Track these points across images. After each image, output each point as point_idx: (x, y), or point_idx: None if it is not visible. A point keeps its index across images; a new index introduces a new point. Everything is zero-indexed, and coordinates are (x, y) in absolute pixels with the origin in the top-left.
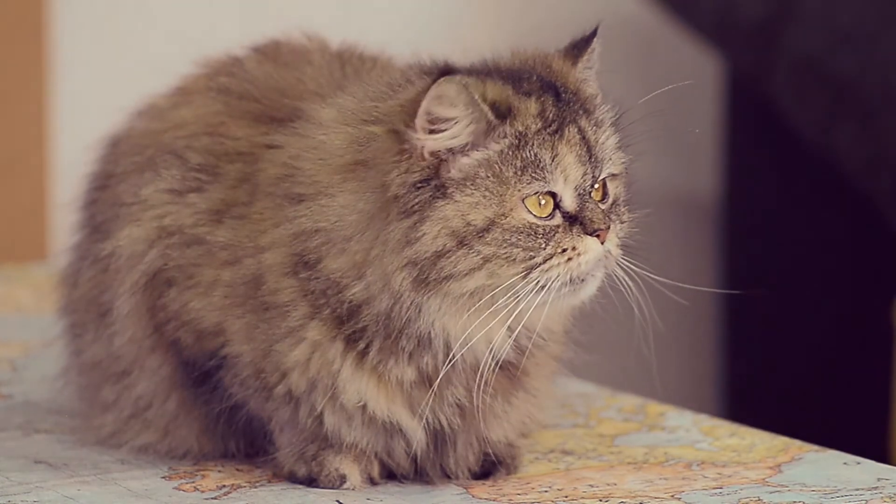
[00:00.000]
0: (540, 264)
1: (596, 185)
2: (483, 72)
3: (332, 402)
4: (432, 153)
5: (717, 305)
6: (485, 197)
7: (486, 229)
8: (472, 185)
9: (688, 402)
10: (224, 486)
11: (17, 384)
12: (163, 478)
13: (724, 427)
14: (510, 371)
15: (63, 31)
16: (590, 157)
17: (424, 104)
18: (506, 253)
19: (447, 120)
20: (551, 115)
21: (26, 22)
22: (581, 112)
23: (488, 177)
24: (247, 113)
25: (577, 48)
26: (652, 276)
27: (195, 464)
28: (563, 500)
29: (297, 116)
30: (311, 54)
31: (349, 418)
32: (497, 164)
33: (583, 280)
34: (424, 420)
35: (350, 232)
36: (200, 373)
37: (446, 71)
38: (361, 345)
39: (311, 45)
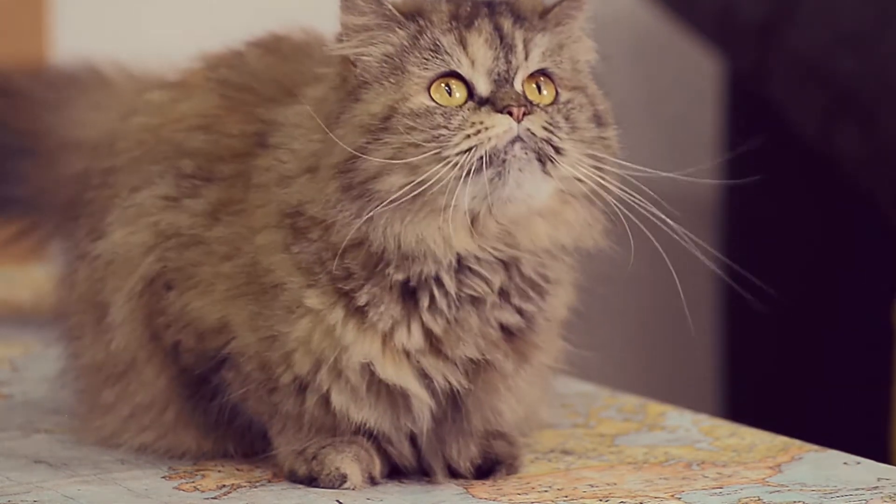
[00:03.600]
0: (448, 141)
1: (518, 75)
2: None
3: (338, 378)
4: (359, 70)
5: (718, 305)
6: (384, 87)
7: (388, 117)
8: (375, 81)
9: (688, 402)
10: (224, 485)
11: (17, 384)
12: (163, 478)
13: (724, 427)
14: (516, 342)
15: (62, 32)
16: (502, 43)
17: (341, 18)
18: (410, 138)
19: (360, 28)
20: (463, 13)
21: (25, 20)
22: (508, 14)
23: (389, 69)
24: (244, 104)
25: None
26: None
27: (195, 463)
28: (564, 500)
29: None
30: (311, 48)
31: (356, 394)
32: (396, 56)
33: (503, 161)
34: (434, 385)
35: (316, 162)
36: (199, 377)
37: None
38: (360, 300)
39: (310, 39)
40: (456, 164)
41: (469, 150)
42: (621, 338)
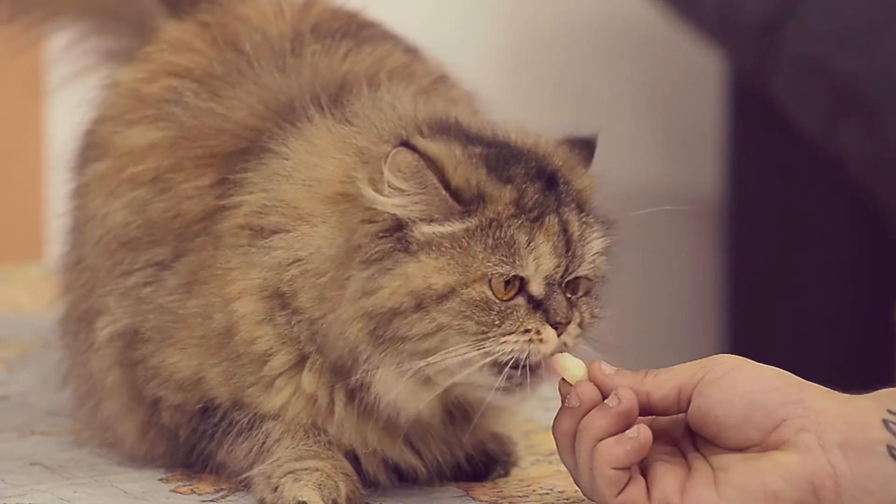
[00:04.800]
0: (493, 337)
1: (568, 280)
2: (474, 142)
3: (316, 435)
4: (412, 229)
5: (719, 305)
6: (449, 264)
7: (446, 296)
8: (436, 250)
9: None
10: (221, 489)
11: (13, 385)
12: (159, 480)
13: None
14: None
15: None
16: (567, 251)
17: (385, 169)
18: (459, 325)
19: (400, 190)
20: (531, 203)
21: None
22: (572, 205)
23: (454, 247)
24: (190, 159)
25: (586, 151)
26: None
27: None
28: (565, 502)
29: (252, 150)
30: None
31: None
32: (464, 238)
33: (529, 375)
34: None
35: (325, 266)
36: (185, 434)
37: (405, 143)
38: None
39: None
40: (492, 355)
41: (515, 356)
42: (622, 339)
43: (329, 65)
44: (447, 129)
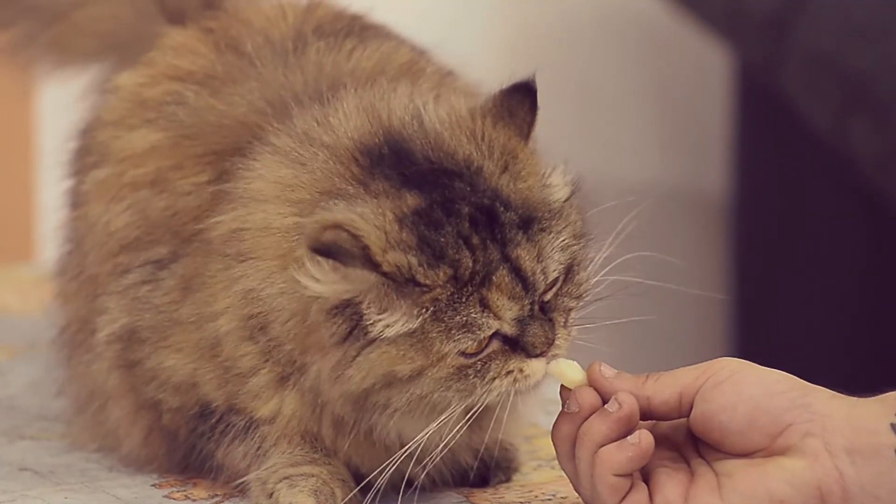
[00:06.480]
0: (480, 389)
1: (538, 298)
2: (408, 180)
3: (313, 442)
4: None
5: (724, 303)
6: (409, 352)
7: (414, 377)
8: (393, 340)
9: None
10: (216, 494)
11: (1, 388)
12: (153, 486)
13: None
14: None
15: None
16: (526, 290)
17: (308, 264)
18: (440, 395)
19: (330, 280)
20: (470, 272)
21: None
22: (518, 234)
23: (411, 337)
24: (190, 157)
25: (527, 102)
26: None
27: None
28: None
29: (241, 153)
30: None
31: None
32: (417, 330)
33: (531, 388)
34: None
35: (285, 315)
36: (185, 434)
37: (314, 248)
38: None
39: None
40: (483, 399)
41: (504, 396)
42: (625, 339)
43: (334, 62)
44: (381, 159)
